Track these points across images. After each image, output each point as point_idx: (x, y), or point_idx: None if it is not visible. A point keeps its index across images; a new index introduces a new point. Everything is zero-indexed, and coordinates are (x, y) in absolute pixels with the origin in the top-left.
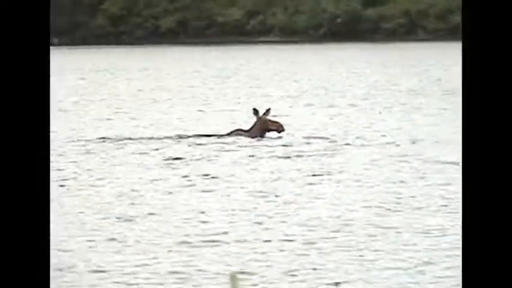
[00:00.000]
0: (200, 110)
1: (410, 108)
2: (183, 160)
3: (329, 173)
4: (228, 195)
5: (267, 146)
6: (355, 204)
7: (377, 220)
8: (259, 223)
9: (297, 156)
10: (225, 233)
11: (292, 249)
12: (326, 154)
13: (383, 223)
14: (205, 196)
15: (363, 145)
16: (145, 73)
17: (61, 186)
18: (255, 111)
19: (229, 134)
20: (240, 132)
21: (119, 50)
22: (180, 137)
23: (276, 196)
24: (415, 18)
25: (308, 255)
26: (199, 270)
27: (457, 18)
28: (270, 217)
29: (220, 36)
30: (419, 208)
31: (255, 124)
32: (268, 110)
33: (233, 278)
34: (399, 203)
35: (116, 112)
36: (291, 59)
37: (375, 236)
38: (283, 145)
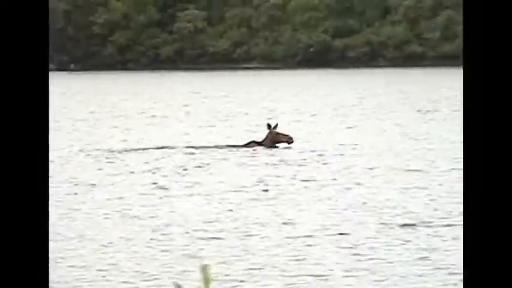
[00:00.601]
0: (211, 125)
1: (376, 121)
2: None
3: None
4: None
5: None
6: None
7: None
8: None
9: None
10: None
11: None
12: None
13: None
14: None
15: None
16: (151, 94)
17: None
18: (268, 126)
19: (245, 145)
20: (254, 144)
21: (126, 74)
22: (203, 147)
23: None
24: (376, 48)
25: None
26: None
27: (412, 48)
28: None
29: (211, 64)
30: None
31: (267, 136)
32: (276, 125)
33: (204, 269)
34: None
35: (129, 127)
36: (273, 83)
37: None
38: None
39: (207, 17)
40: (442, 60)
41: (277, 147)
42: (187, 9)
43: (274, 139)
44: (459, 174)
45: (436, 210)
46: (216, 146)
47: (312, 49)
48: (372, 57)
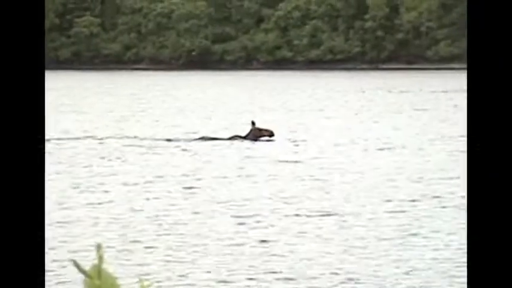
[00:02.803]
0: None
1: (236, 115)
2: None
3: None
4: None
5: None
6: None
7: None
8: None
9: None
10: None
11: None
12: None
13: None
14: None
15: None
16: (58, 91)
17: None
18: (252, 123)
19: (229, 139)
20: (238, 137)
21: None
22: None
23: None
24: (251, 53)
25: None
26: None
27: (282, 53)
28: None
29: (105, 64)
30: None
31: (250, 131)
32: (253, 122)
33: (99, 247)
34: None
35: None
36: (161, 83)
37: None
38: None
39: (101, 23)
40: (309, 65)
41: (257, 140)
42: (83, 16)
43: (256, 134)
44: None
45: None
46: (202, 138)
47: (194, 53)
48: (247, 61)
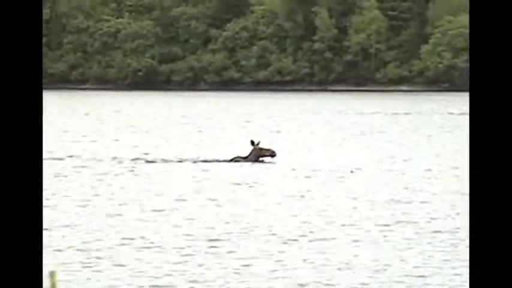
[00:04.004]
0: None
1: (184, 135)
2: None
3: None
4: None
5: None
6: None
7: None
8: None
9: None
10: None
11: None
12: None
13: None
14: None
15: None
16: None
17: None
18: (252, 142)
19: (231, 160)
20: (239, 158)
21: None
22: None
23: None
24: (198, 73)
25: None
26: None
27: (230, 73)
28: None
29: (51, 84)
30: None
31: (251, 152)
32: (258, 142)
33: (52, 275)
34: None
35: None
36: (106, 104)
37: None
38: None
39: (47, 42)
40: (257, 86)
41: (262, 161)
42: None
43: (258, 154)
44: None
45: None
46: (205, 161)
47: (140, 73)
48: (194, 82)
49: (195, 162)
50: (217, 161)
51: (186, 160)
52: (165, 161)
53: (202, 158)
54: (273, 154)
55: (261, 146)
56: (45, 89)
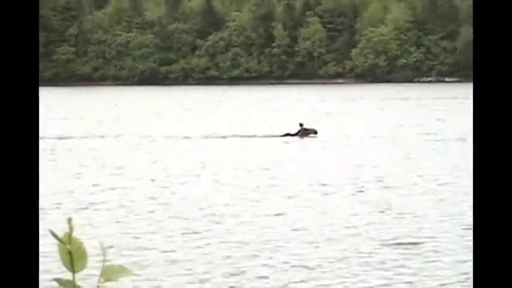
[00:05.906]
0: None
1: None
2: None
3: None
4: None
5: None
6: None
7: None
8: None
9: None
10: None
11: None
12: None
13: None
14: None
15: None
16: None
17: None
18: (300, 124)
19: (283, 136)
20: (289, 135)
21: None
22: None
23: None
24: (188, 72)
25: None
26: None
27: (211, 72)
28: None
29: (78, 82)
30: None
31: (299, 131)
32: (301, 124)
33: (69, 221)
34: None
35: None
36: (121, 96)
37: None
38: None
39: (76, 51)
40: (231, 81)
41: (305, 137)
42: (62, 46)
43: (304, 132)
44: None
45: None
46: (255, 136)
47: (145, 73)
48: (185, 78)
49: (254, 137)
50: (273, 136)
51: (243, 136)
52: (235, 136)
53: (262, 134)
54: (315, 132)
55: (304, 126)
56: (75, 86)
